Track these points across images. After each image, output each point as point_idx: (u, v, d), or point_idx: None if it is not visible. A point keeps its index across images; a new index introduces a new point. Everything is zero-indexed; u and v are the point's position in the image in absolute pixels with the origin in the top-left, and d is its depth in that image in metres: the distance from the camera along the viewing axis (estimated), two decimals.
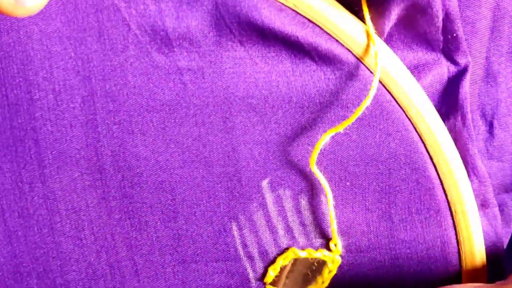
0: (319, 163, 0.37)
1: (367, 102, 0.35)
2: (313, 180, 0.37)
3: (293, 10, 0.35)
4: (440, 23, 0.37)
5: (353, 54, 0.36)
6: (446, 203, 0.38)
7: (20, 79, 0.34)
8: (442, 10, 0.36)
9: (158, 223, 0.37)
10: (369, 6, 0.36)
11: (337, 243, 0.38)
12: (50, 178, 0.36)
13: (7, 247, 0.37)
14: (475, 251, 0.39)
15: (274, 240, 0.38)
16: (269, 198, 0.37)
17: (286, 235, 0.38)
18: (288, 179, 0.37)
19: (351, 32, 0.35)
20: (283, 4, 0.35)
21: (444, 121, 0.38)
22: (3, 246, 0.37)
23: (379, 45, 0.36)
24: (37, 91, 0.35)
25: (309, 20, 0.35)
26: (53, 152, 0.36)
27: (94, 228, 0.37)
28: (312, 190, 0.38)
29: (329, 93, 0.36)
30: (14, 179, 0.36)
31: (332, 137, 0.37)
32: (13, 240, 0.37)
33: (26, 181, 0.36)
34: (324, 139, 0.36)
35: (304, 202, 0.38)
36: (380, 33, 0.37)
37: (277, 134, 0.37)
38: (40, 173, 0.36)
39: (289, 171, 0.37)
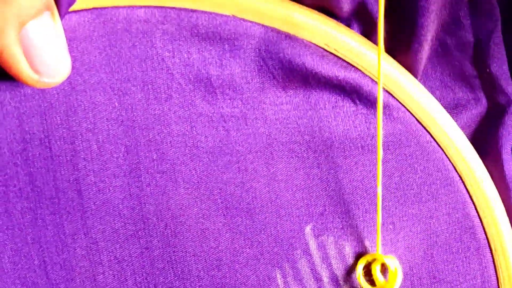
0: (359, 202, 0.37)
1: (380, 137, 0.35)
2: (357, 226, 0.37)
3: (335, 55, 0.35)
4: (471, 51, 0.37)
5: (394, 96, 0.36)
6: (486, 241, 0.38)
7: (64, 130, 0.34)
8: (473, 35, 0.37)
9: (202, 272, 0.37)
10: (400, 44, 0.36)
11: None
12: (93, 229, 0.36)
13: None
14: None
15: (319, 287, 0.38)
16: (312, 244, 0.37)
17: (331, 283, 0.38)
18: (331, 225, 0.37)
19: (391, 75, 0.36)
20: (325, 49, 0.35)
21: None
22: None
23: (416, 86, 0.36)
24: (80, 142, 0.35)
25: (350, 64, 0.35)
26: (96, 203, 0.35)
27: (137, 278, 0.36)
28: (356, 236, 0.37)
29: (370, 137, 0.36)
30: (56, 231, 0.35)
31: (374, 179, 0.37)
32: None
33: (69, 232, 0.36)
34: (378, 232, 0.36)
35: (348, 249, 0.37)
36: (415, 71, 0.37)
37: (320, 179, 0.37)
38: (83, 224, 0.36)
39: (332, 216, 0.37)
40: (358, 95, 0.36)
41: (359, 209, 0.37)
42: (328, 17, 0.36)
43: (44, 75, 0.32)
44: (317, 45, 0.35)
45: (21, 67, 0.31)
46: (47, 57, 0.31)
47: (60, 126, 0.34)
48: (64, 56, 0.32)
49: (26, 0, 0.30)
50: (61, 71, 0.32)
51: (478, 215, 0.38)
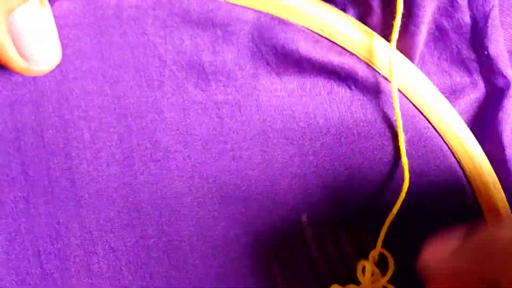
0: (356, 190, 0.37)
1: (401, 136, 0.35)
2: (353, 214, 0.37)
3: (329, 40, 0.35)
4: (468, 33, 0.36)
5: (389, 81, 0.35)
6: None
7: (56, 118, 0.34)
8: (471, 16, 0.36)
9: (197, 261, 0.36)
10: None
11: (382, 280, 0.37)
12: (87, 218, 0.35)
13: None
14: None
15: (315, 276, 0.37)
16: (309, 233, 0.37)
17: (328, 271, 0.37)
18: (328, 213, 0.37)
19: (388, 60, 0.35)
20: (319, 34, 0.34)
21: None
22: None
23: (413, 71, 0.36)
24: (73, 130, 0.34)
25: (345, 49, 0.35)
26: (89, 192, 0.35)
27: (132, 268, 0.36)
28: (353, 224, 0.37)
29: (366, 123, 0.36)
30: (50, 220, 0.35)
31: (370, 166, 0.36)
32: (49, 283, 0.36)
33: (63, 222, 0.35)
34: (388, 223, 0.35)
35: (345, 237, 0.37)
36: (412, 55, 0.36)
37: (316, 167, 0.36)
38: (77, 213, 0.35)
39: (328, 204, 0.36)
40: (353, 80, 0.35)
41: (356, 197, 0.37)
42: (322, 1, 0.35)
43: (34, 63, 0.31)
44: (311, 30, 0.34)
45: (10, 55, 0.30)
46: (36, 44, 0.31)
47: (52, 114, 0.34)
48: (54, 44, 0.32)
49: None
50: (51, 58, 0.32)
51: (477, 201, 0.37)
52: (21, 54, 0.31)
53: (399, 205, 0.35)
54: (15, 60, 0.31)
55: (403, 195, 0.35)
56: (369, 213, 0.37)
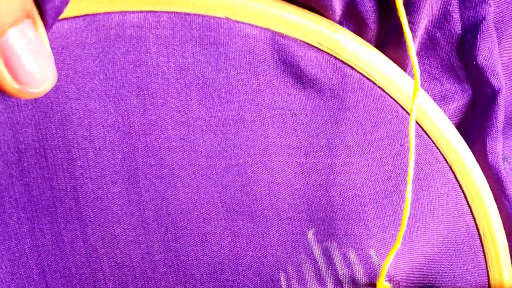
0: (360, 209, 0.37)
1: (412, 153, 0.35)
2: (360, 233, 0.37)
3: (329, 54, 0.35)
4: (459, 43, 0.37)
5: (385, 91, 0.36)
6: (475, 227, 0.39)
7: (59, 139, 0.34)
8: (462, 27, 0.37)
9: (204, 276, 0.37)
10: (390, 40, 0.36)
11: None
12: (92, 236, 0.35)
13: None
14: (503, 272, 0.39)
15: None
16: (316, 249, 0.37)
17: (336, 287, 0.38)
18: (334, 231, 0.37)
19: (387, 73, 0.36)
20: (318, 48, 0.35)
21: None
22: None
23: (406, 80, 0.36)
24: (76, 150, 0.34)
25: (344, 62, 0.35)
26: (94, 210, 0.35)
27: (139, 283, 0.36)
28: (360, 243, 0.37)
29: (368, 141, 0.36)
30: (55, 239, 0.35)
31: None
32: None
33: (67, 240, 0.35)
34: (389, 259, 0.36)
35: (353, 256, 0.37)
36: (404, 65, 0.37)
37: (319, 185, 0.37)
38: (82, 232, 0.35)
39: (334, 222, 0.37)
40: (354, 94, 0.36)
41: (360, 215, 0.37)
42: (319, 16, 0.35)
43: (28, 85, 0.30)
44: (310, 44, 0.35)
45: (2, 77, 0.30)
46: (29, 66, 0.30)
47: (55, 135, 0.34)
48: (48, 66, 0.30)
49: (2, 8, 0.29)
50: (45, 80, 0.30)
51: (468, 203, 0.38)
52: (14, 77, 0.30)
53: (405, 220, 0.36)
54: (8, 83, 0.30)
55: (406, 210, 0.36)
56: (376, 232, 0.37)
